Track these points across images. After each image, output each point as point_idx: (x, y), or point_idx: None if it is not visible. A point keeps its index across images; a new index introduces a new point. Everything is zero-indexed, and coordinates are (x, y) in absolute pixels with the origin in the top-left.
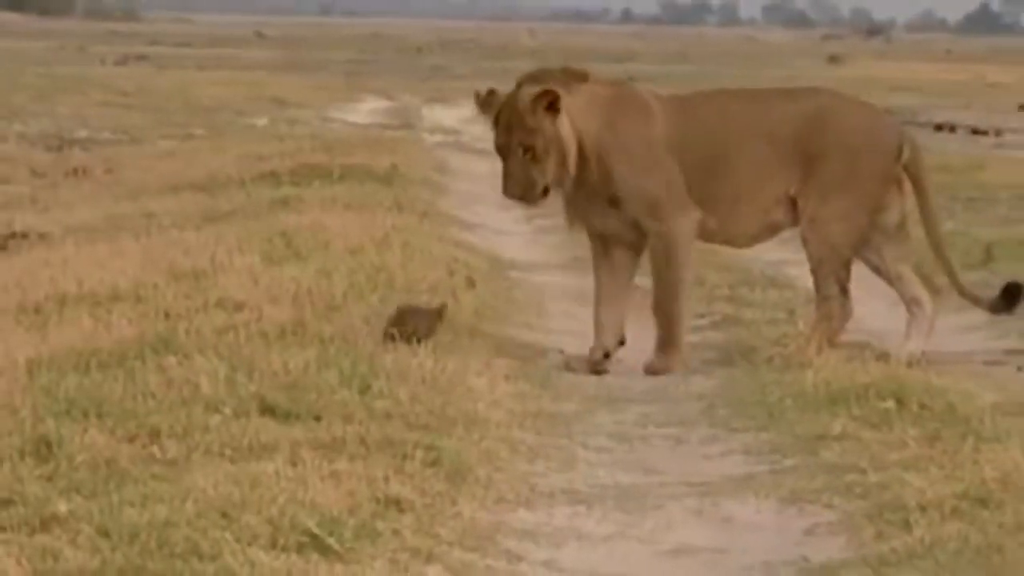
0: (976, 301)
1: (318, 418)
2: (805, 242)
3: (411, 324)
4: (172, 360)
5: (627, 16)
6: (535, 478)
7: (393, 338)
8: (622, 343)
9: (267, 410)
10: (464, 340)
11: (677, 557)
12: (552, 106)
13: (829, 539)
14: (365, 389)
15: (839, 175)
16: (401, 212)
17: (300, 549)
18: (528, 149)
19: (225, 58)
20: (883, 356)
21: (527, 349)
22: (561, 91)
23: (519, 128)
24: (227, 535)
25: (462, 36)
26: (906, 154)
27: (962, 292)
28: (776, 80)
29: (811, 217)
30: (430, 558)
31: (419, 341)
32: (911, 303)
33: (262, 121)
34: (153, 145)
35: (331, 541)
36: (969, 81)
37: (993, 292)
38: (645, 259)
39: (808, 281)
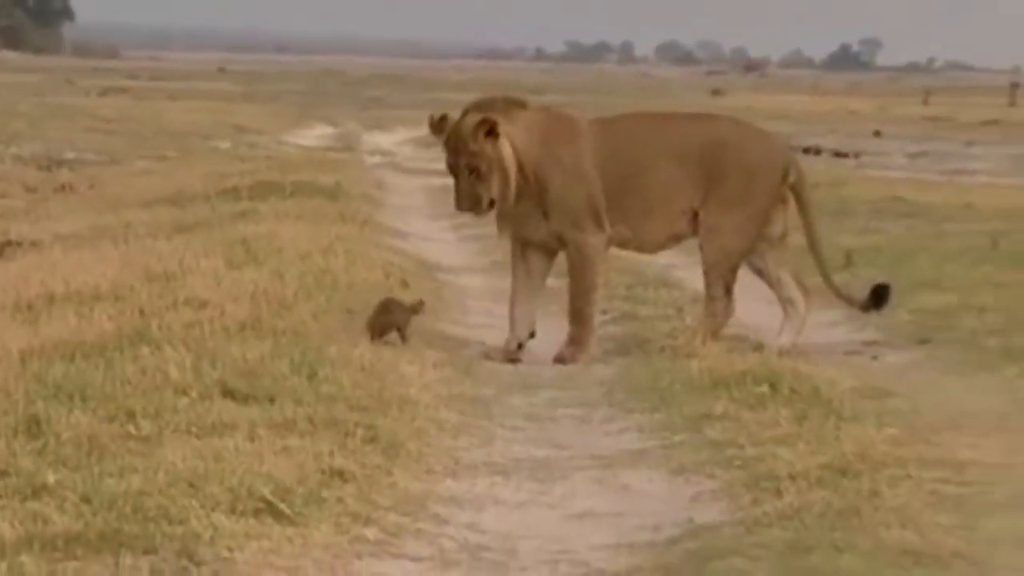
0: (850, 301)
1: (272, 401)
2: (701, 248)
3: (394, 313)
4: (146, 351)
5: (539, 54)
6: (459, 452)
7: (374, 327)
8: (532, 335)
9: (228, 394)
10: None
11: (582, 520)
12: (492, 132)
13: (712, 504)
14: (313, 375)
15: (737, 192)
16: (344, 223)
17: (256, 514)
18: (473, 170)
19: (193, 90)
20: (759, 347)
21: (452, 341)
22: (501, 118)
23: (465, 152)
24: (193, 502)
25: (398, 71)
26: (792, 175)
27: (838, 294)
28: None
29: (709, 227)
30: (368, 521)
31: (399, 329)
32: (786, 303)
33: (225, 144)
34: (131, 165)
35: (283, 507)
36: (832, 111)
37: (864, 293)
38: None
39: (693, 283)
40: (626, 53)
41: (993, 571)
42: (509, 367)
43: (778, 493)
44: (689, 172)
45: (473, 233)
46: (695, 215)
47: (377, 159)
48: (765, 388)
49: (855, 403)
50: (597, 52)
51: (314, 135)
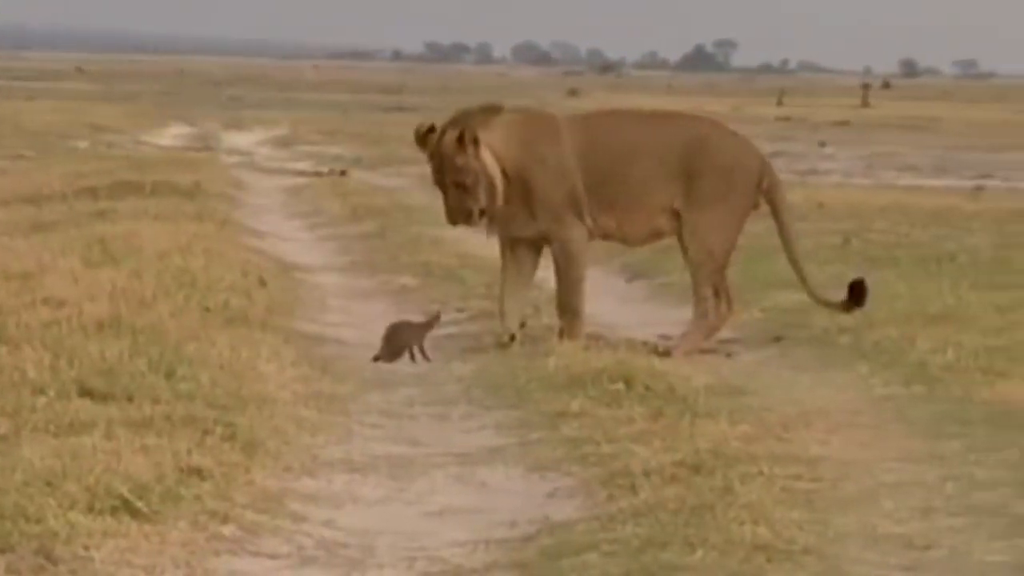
0: (828, 305)
1: (130, 399)
2: (684, 251)
3: (404, 337)
4: (3, 350)
5: (397, 55)
6: (317, 450)
7: (386, 355)
8: (523, 326)
9: (86, 393)
10: (256, 331)
11: (440, 517)
12: (473, 143)
13: (568, 501)
14: (171, 374)
15: (712, 190)
16: (202, 222)
17: (114, 512)
18: (460, 184)
19: (51, 90)
20: (614, 345)
21: (310, 339)
22: (479, 127)
23: (450, 168)
24: (51, 500)
25: (256, 71)
26: (766, 181)
27: (816, 299)
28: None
29: (689, 226)
30: (226, 519)
31: (413, 352)
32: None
33: (83, 144)
34: None
35: (141, 505)
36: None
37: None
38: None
39: (551, 282)
40: (484, 54)
41: (843, 566)
42: (368, 364)
43: (633, 490)
44: (667, 169)
45: (330, 233)
46: (676, 214)
47: (235, 159)
48: (620, 386)
49: (709, 400)
50: (455, 53)
51: (172, 134)
